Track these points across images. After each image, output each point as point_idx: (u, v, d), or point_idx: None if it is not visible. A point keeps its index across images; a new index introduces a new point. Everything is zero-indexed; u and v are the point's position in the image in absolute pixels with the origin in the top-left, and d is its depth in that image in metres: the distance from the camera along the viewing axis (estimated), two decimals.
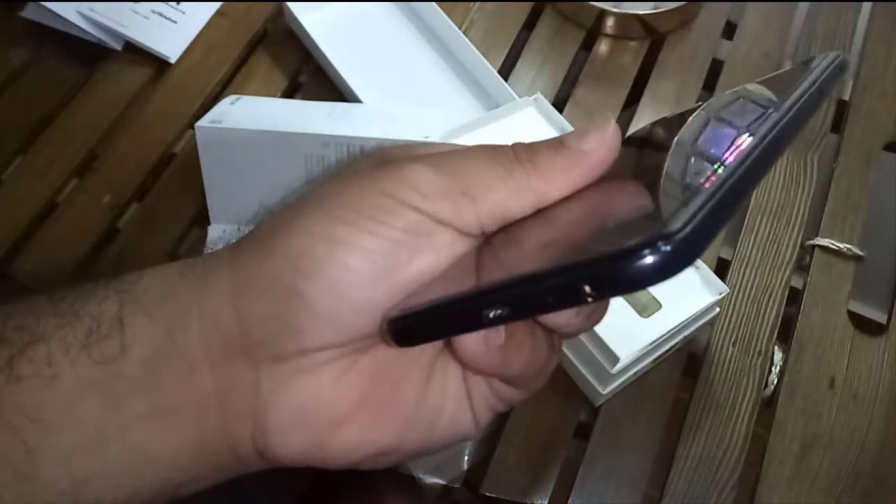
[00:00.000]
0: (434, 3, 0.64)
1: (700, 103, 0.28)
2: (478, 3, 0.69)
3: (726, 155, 0.23)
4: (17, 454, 0.23)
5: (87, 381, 0.24)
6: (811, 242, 0.58)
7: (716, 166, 0.23)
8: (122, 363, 0.24)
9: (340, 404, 0.25)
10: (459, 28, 0.63)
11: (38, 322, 0.24)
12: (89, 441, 0.24)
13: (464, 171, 0.25)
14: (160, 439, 0.24)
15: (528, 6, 0.69)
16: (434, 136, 0.50)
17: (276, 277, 0.24)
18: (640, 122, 0.63)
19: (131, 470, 0.24)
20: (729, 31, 0.69)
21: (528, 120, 0.57)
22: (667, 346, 0.50)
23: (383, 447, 0.26)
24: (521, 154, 0.26)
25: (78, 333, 0.24)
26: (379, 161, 0.26)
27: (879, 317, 0.57)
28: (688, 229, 0.20)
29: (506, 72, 0.65)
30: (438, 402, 0.27)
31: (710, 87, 0.66)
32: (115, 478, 0.24)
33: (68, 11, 0.62)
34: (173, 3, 0.65)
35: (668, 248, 0.20)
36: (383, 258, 0.24)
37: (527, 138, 0.55)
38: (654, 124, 0.32)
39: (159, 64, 0.64)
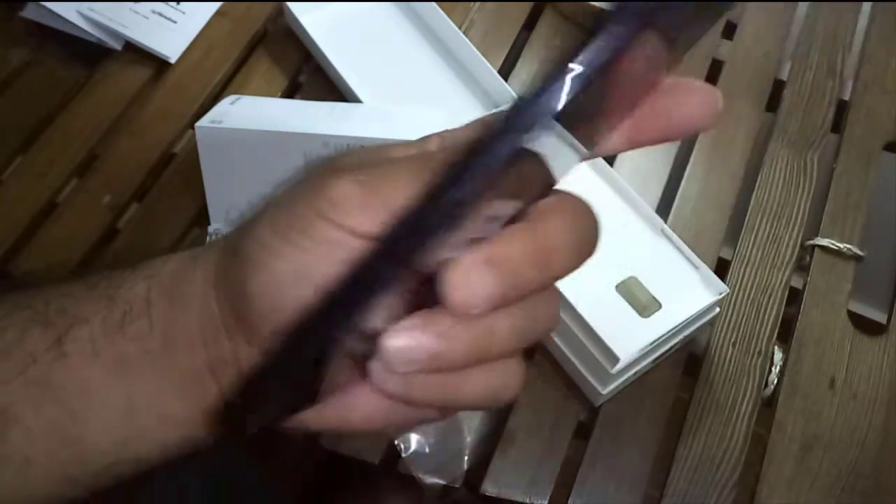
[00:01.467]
0: (434, 3, 0.64)
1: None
2: (478, 3, 0.69)
3: None
4: (65, 423, 0.26)
5: (124, 357, 0.27)
6: (811, 242, 0.58)
7: None
8: (150, 339, 0.27)
9: None
10: (459, 28, 0.63)
11: (79, 306, 0.27)
12: (126, 409, 0.27)
13: (386, 184, 0.25)
14: (179, 406, 0.27)
15: (528, 6, 0.69)
16: None
17: (231, 276, 0.27)
18: None
19: (160, 431, 0.28)
20: (729, 31, 0.69)
21: None
22: (667, 346, 0.50)
23: (340, 422, 0.27)
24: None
25: (115, 315, 0.27)
26: (325, 170, 0.27)
27: (879, 317, 0.57)
28: None
29: (506, 72, 0.65)
30: None
31: None
32: (147, 438, 0.28)
33: (68, 11, 0.62)
34: (173, 3, 0.65)
35: None
36: (304, 267, 0.25)
37: None
38: None
39: (159, 64, 0.64)
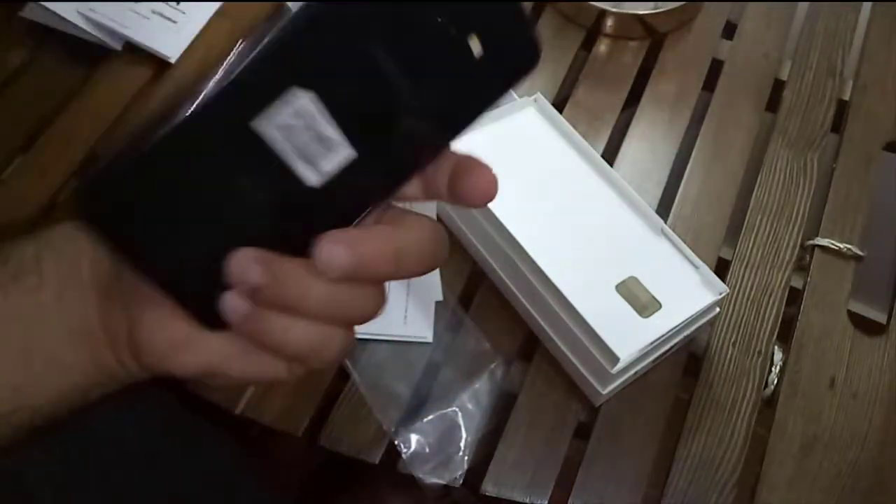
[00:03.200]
0: None
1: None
2: None
3: None
4: None
5: (20, 307, 0.31)
6: (811, 242, 0.58)
7: None
8: (42, 293, 0.31)
9: (176, 334, 0.31)
10: None
11: None
12: (21, 356, 0.31)
13: None
14: (72, 354, 0.31)
15: (527, 6, 0.69)
16: None
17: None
18: (640, 122, 0.63)
19: (53, 379, 0.31)
20: (729, 31, 0.69)
21: (528, 120, 0.57)
22: (667, 346, 0.50)
23: (208, 366, 0.31)
24: None
25: (9, 271, 0.31)
26: None
27: (879, 317, 0.57)
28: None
29: None
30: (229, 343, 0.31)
31: (710, 87, 0.66)
32: (41, 386, 0.31)
33: (68, 11, 0.62)
34: (173, 3, 0.65)
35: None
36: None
37: (527, 138, 0.56)
38: None
39: (159, 64, 0.64)
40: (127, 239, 0.27)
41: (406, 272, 0.29)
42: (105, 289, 0.31)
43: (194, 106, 0.25)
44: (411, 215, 0.29)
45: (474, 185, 0.28)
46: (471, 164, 0.28)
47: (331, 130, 0.26)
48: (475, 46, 0.26)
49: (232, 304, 0.28)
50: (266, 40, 0.25)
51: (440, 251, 0.29)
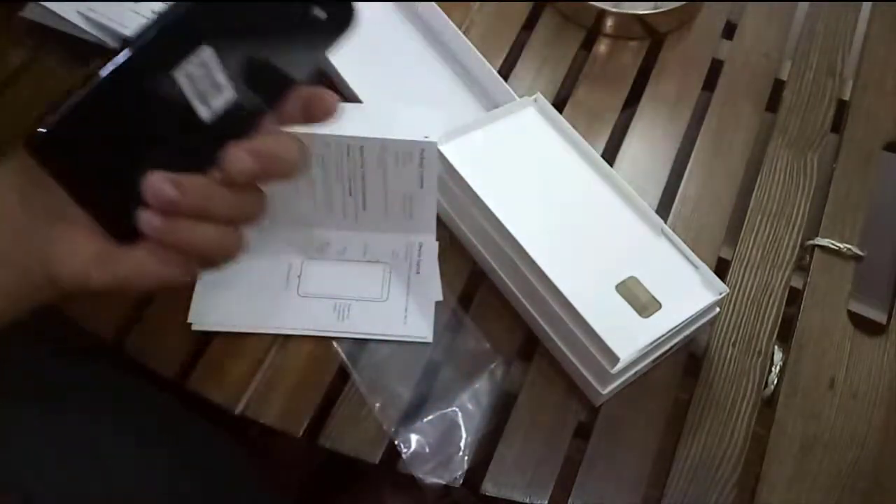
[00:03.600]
0: (434, 3, 0.64)
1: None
2: (478, 3, 0.69)
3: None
4: None
5: None
6: (811, 242, 0.58)
7: None
8: None
9: (93, 251, 0.36)
10: (459, 28, 0.63)
11: None
12: None
13: None
14: None
15: (528, 6, 0.69)
16: (434, 136, 0.50)
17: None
18: (640, 122, 0.63)
19: None
20: (729, 31, 0.69)
21: (528, 120, 0.57)
22: (667, 346, 0.50)
23: (123, 277, 0.36)
24: None
25: None
26: None
27: (879, 317, 0.57)
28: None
29: (506, 72, 0.65)
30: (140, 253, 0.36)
31: (710, 86, 0.66)
32: None
33: (68, 11, 0.62)
34: None
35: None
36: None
37: (527, 138, 0.56)
38: None
39: None
40: (67, 169, 0.32)
41: (284, 174, 0.36)
42: (22, 219, 0.35)
43: (121, 57, 0.32)
44: (278, 132, 0.37)
45: (320, 106, 0.38)
46: (318, 92, 0.38)
47: (222, 78, 0.34)
48: (319, 13, 0.36)
49: (148, 218, 0.34)
50: (179, 5, 0.33)
51: (303, 158, 0.37)
